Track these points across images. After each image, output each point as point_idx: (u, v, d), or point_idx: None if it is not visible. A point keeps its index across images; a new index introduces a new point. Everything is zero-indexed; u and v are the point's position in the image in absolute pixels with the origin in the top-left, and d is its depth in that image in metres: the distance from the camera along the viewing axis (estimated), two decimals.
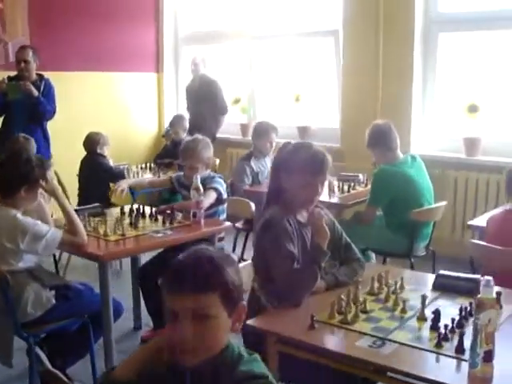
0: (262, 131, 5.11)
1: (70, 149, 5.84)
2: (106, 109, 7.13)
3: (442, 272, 2.58)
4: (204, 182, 3.81)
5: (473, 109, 5.18)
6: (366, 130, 5.68)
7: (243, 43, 7.04)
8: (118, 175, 5.27)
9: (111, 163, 5.56)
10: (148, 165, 6.15)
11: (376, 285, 2.51)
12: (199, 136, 4.14)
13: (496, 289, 1.92)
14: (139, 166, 6.05)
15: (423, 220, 4.08)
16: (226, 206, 4.10)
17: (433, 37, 5.54)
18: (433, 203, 4.28)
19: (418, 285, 2.58)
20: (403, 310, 2.28)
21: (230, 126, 6.95)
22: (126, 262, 4.57)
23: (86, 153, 5.46)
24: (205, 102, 6.81)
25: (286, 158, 2.54)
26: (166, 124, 7.76)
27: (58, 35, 6.55)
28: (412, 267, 4.15)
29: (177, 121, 6.28)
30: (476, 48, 5.43)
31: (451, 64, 5.57)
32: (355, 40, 5.86)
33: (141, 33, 7.57)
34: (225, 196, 4.03)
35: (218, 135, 6.96)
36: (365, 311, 2.29)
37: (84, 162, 5.48)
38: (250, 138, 6.87)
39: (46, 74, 5.58)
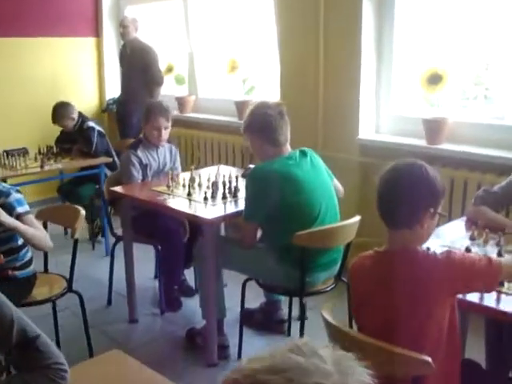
0: (147, 114, 3.91)
1: None
2: (30, 81, 6.06)
3: None
4: None
5: (434, 79, 3.80)
6: (307, 109, 4.54)
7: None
8: None
9: None
10: (53, 149, 5.01)
11: None
12: None
13: None
14: (41, 150, 4.92)
15: (312, 246, 2.80)
16: None
17: None
18: (337, 218, 3.00)
19: None
20: None
21: (164, 100, 5.72)
22: None
23: None
24: (137, 70, 5.73)
25: None
26: (108, 96, 6.69)
27: None
28: (303, 313, 2.92)
29: (59, 114, 4.98)
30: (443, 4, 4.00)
31: (413, 24, 4.15)
32: None
33: None
34: None
35: None
36: None
37: None
38: (189, 114, 5.82)
39: None
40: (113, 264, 3.97)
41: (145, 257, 4.12)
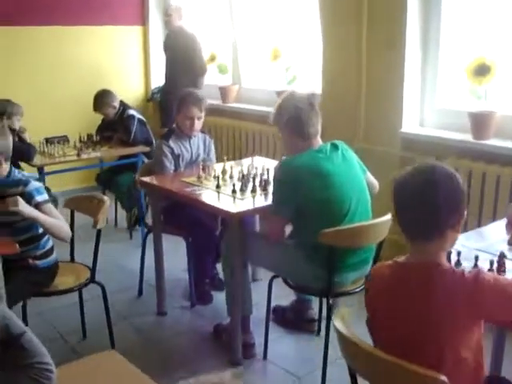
0: (179, 103, 3.83)
1: None
2: (75, 69, 6.09)
3: None
4: (15, 189, 2.67)
5: (482, 71, 3.57)
6: (348, 100, 4.38)
7: None
8: (25, 151, 4.32)
9: (26, 136, 4.56)
10: (93, 137, 5.00)
11: None
12: None
13: None
14: (82, 139, 4.92)
15: (339, 245, 2.66)
16: None
17: None
18: (368, 214, 2.85)
19: None
20: None
21: (207, 89, 5.66)
22: None
23: None
24: (180, 59, 5.64)
25: None
26: (154, 85, 6.65)
27: None
28: (329, 313, 2.79)
29: (100, 102, 4.98)
30: None
31: (462, 13, 3.92)
32: None
33: None
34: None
35: None
36: None
37: None
38: (232, 104, 5.73)
39: None
40: (144, 254, 3.92)
41: (178, 248, 4.05)
